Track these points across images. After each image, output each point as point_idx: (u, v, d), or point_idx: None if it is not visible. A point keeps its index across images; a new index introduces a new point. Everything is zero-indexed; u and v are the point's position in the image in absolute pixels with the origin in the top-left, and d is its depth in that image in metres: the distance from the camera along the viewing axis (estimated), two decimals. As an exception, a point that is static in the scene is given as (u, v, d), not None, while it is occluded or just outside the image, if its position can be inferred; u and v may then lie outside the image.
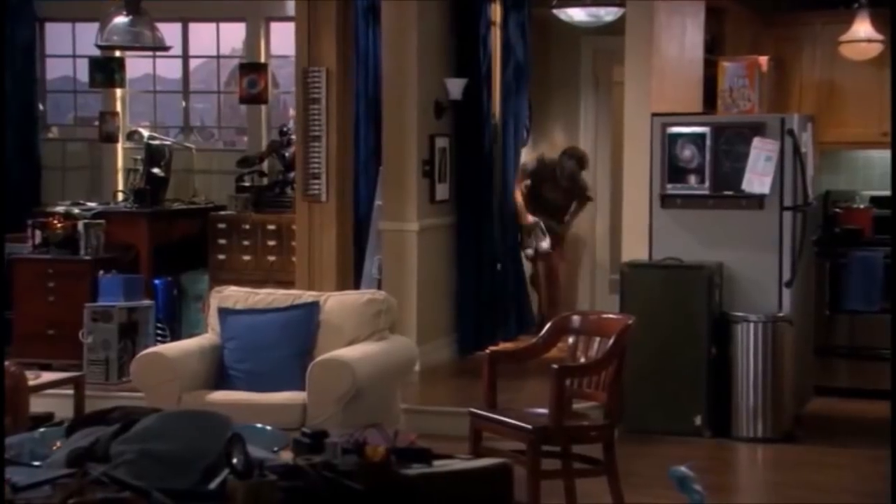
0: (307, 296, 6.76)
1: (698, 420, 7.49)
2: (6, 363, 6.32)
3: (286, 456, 3.67)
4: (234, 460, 2.89)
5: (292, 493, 2.96)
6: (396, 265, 8.83)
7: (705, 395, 7.51)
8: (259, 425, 4.83)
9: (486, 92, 9.44)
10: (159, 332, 8.90)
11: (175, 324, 9.36)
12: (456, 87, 9.08)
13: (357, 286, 8.97)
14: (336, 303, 6.62)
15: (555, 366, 5.51)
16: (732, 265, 7.67)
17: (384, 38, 8.88)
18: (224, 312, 6.67)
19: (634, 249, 7.94)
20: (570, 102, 10.96)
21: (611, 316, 5.97)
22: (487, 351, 5.93)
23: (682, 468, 3.34)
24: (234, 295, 6.78)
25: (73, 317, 8.51)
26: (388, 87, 8.84)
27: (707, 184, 7.70)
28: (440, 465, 3.23)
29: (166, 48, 9.43)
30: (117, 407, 3.84)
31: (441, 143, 9.10)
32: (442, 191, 9.13)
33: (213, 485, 3.01)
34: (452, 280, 9.30)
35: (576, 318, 5.94)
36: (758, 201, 7.59)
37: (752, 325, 7.47)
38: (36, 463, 3.63)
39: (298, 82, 8.61)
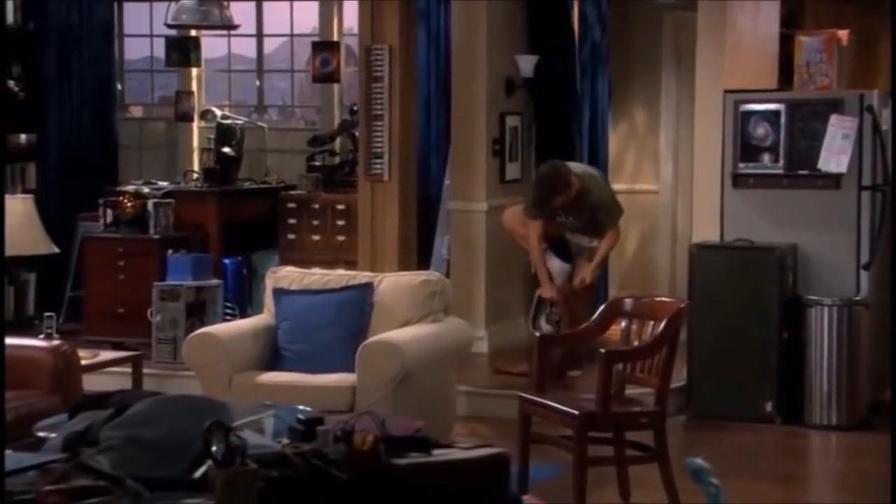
0: (361, 277, 6.67)
1: (769, 406, 7.28)
2: (58, 342, 6.35)
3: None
4: (214, 448, 2.79)
5: (275, 481, 2.86)
6: (464, 245, 8.70)
7: (776, 381, 7.29)
8: (300, 406, 4.75)
9: (562, 69, 9.23)
10: (228, 311, 8.87)
11: (245, 303, 9.32)
12: (527, 63, 8.89)
13: (426, 266, 8.84)
14: (390, 284, 6.52)
15: (602, 350, 5.35)
16: (807, 247, 7.45)
17: (454, 15, 8.74)
18: (279, 293, 6.62)
19: (705, 230, 7.76)
20: (652, 80, 10.68)
21: (664, 299, 5.82)
22: (537, 334, 5.76)
23: (698, 460, 3.19)
24: (289, 275, 6.72)
25: (143, 295, 8.51)
26: (457, 65, 8.69)
27: (781, 163, 7.49)
28: (438, 455, 3.11)
29: (235, 26, 9.41)
30: (120, 390, 3.78)
31: (512, 121, 8.92)
32: (513, 170, 8.95)
33: (197, 473, 2.91)
34: (523, 260, 9.12)
35: (628, 302, 5.77)
36: (834, 181, 7.37)
37: (826, 309, 7.24)
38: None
39: (361, 61, 8.51)
